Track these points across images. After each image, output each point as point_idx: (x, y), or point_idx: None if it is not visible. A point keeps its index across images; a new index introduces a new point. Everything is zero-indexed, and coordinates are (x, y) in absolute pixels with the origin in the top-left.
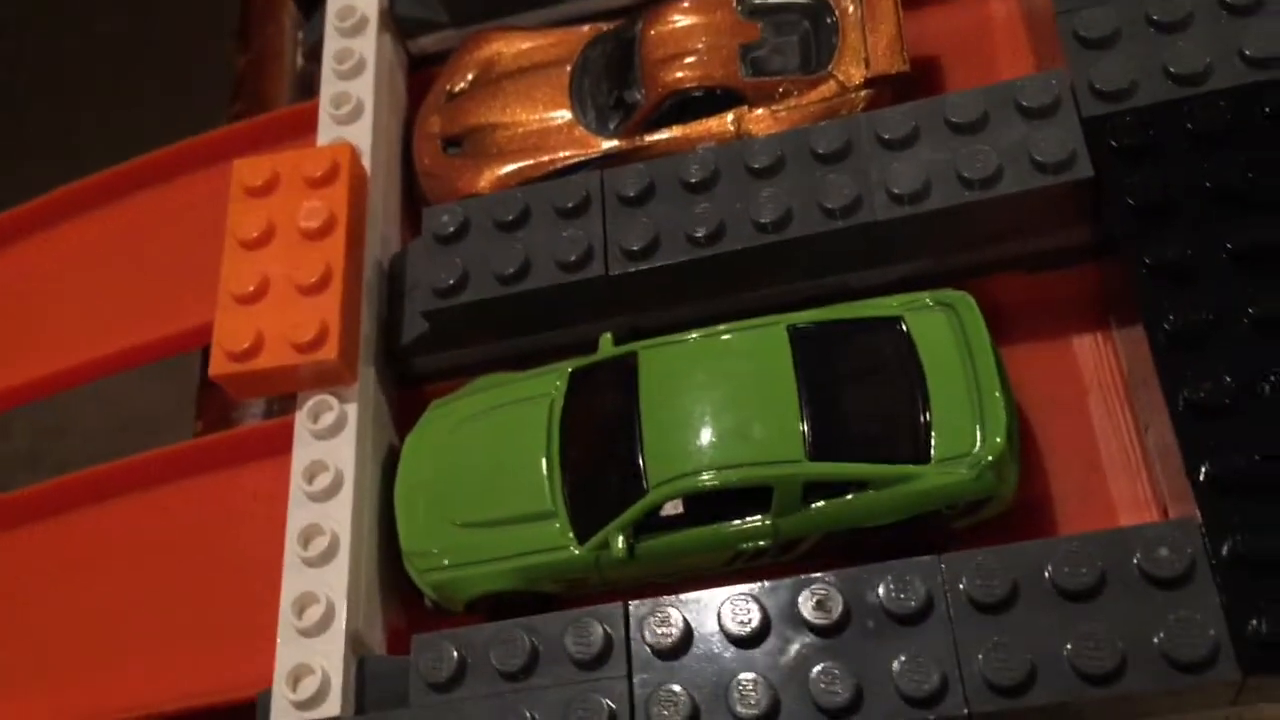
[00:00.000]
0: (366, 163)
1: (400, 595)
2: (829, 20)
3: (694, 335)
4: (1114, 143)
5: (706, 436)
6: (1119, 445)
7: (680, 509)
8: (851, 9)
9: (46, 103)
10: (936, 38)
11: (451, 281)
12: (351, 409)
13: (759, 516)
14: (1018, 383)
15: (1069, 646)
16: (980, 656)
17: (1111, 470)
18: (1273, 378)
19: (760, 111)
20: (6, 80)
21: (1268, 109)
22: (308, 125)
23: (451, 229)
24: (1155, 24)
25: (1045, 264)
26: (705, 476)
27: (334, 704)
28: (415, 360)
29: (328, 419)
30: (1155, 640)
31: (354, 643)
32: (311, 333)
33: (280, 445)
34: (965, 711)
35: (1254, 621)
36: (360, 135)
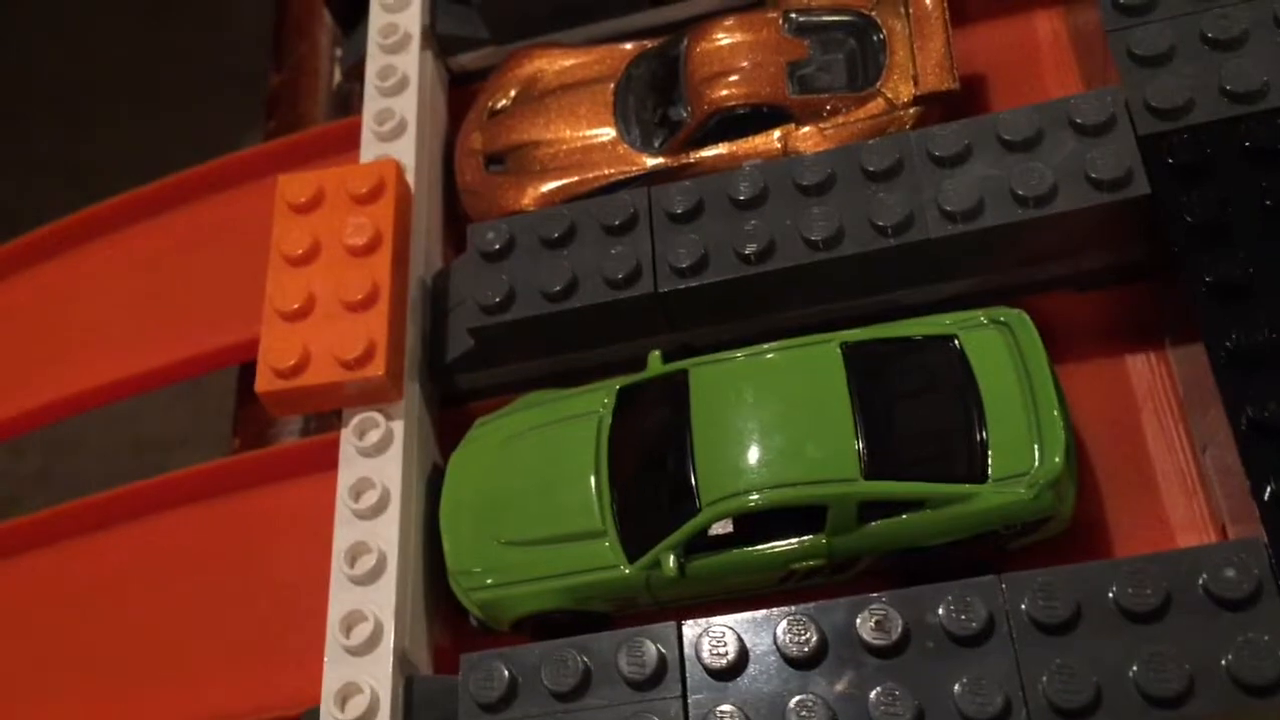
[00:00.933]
0: (410, 179)
1: (445, 614)
2: (876, 38)
3: (745, 353)
4: (1171, 160)
5: (759, 455)
6: (1174, 465)
7: (731, 528)
8: (900, 26)
9: (65, 120)
10: (982, 56)
11: (498, 299)
12: (398, 426)
13: (813, 535)
14: (1070, 402)
15: (1134, 669)
16: (1044, 678)
17: (1167, 490)
18: None
19: (807, 129)
20: (27, 98)
21: None
22: (349, 142)
23: (498, 246)
24: (1210, 41)
25: (1097, 283)
26: (758, 495)
27: None
28: (459, 377)
29: (374, 436)
30: (1223, 662)
31: (402, 662)
32: (359, 349)
33: (322, 462)
34: None
35: None
36: (404, 152)
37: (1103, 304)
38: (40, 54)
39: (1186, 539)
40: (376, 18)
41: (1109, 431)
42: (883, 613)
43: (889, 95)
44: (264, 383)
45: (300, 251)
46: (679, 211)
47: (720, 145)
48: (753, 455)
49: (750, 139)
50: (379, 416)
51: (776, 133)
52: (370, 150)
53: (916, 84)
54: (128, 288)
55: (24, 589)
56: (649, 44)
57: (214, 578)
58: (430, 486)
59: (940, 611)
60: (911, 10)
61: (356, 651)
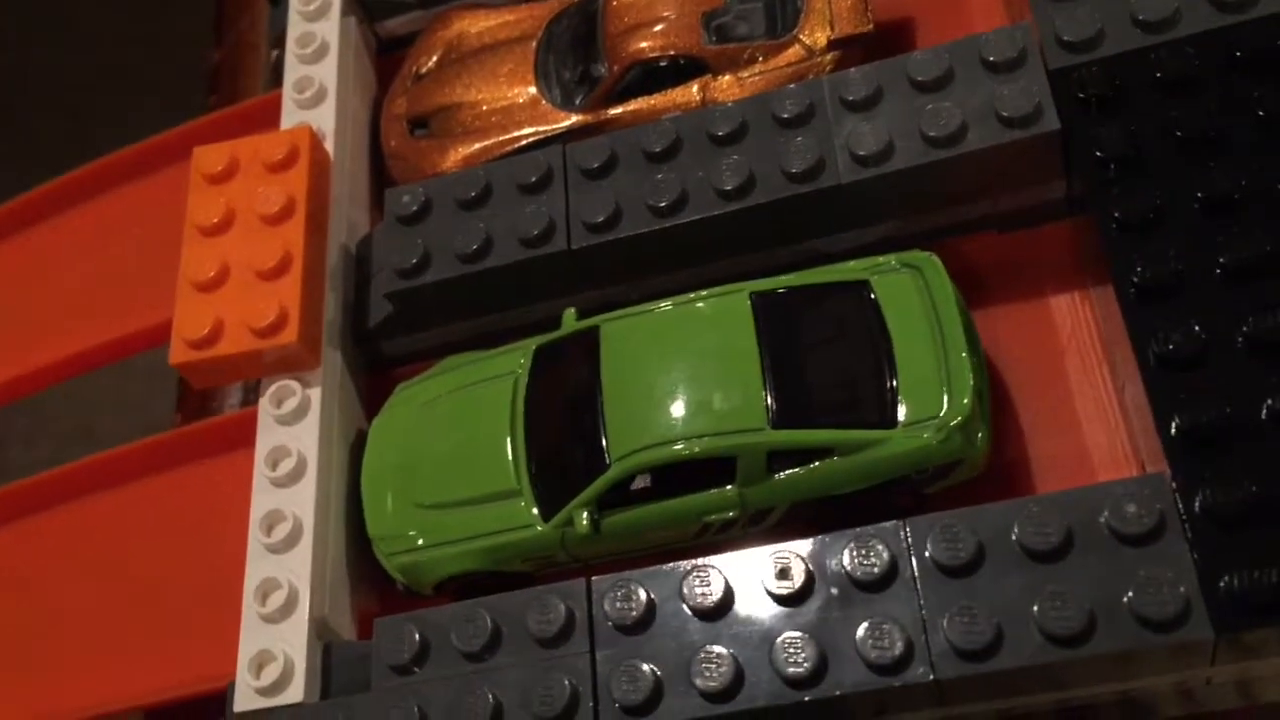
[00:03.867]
0: (330, 146)
1: (372, 580)
2: None
3: (656, 306)
4: (1081, 94)
5: (667, 408)
6: (1097, 404)
7: (648, 482)
8: None
9: (65, 112)
10: None
11: (414, 262)
12: (315, 393)
13: (725, 487)
14: (993, 344)
15: (1036, 608)
16: (945, 621)
17: (1090, 430)
18: (1245, 328)
19: (726, 79)
20: (27, 90)
21: (1238, 53)
22: (276, 114)
23: (413, 209)
24: None
25: (1020, 223)
26: (665, 449)
27: (297, 690)
28: (383, 344)
29: (290, 404)
30: (1125, 599)
31: (319, 628)
32: (271, 317)
33: (251, 434)
34: (931, 677)
35: (1226, 578)
36: (324, 119)
37: (1026, 244)
38: (41, 46)
39: (1108, 477)
40: None
41: (1033, 372)
42: (786, 561)
43: (806, 41)
44: (177, 354)
45: (214, 221)
46: (593, 167)
47: (640, 99)
48: (660, 409)
49: (669, 92)
50: (295, 384)
51: (695, 84)
52: (290, 119)
53: (833, 28)
54: (65, 270)
55: None
56: (569, 1)
57: (146, 555)
58: (353, 453)
59: (844, 558)
60: None
61: (272, 619)
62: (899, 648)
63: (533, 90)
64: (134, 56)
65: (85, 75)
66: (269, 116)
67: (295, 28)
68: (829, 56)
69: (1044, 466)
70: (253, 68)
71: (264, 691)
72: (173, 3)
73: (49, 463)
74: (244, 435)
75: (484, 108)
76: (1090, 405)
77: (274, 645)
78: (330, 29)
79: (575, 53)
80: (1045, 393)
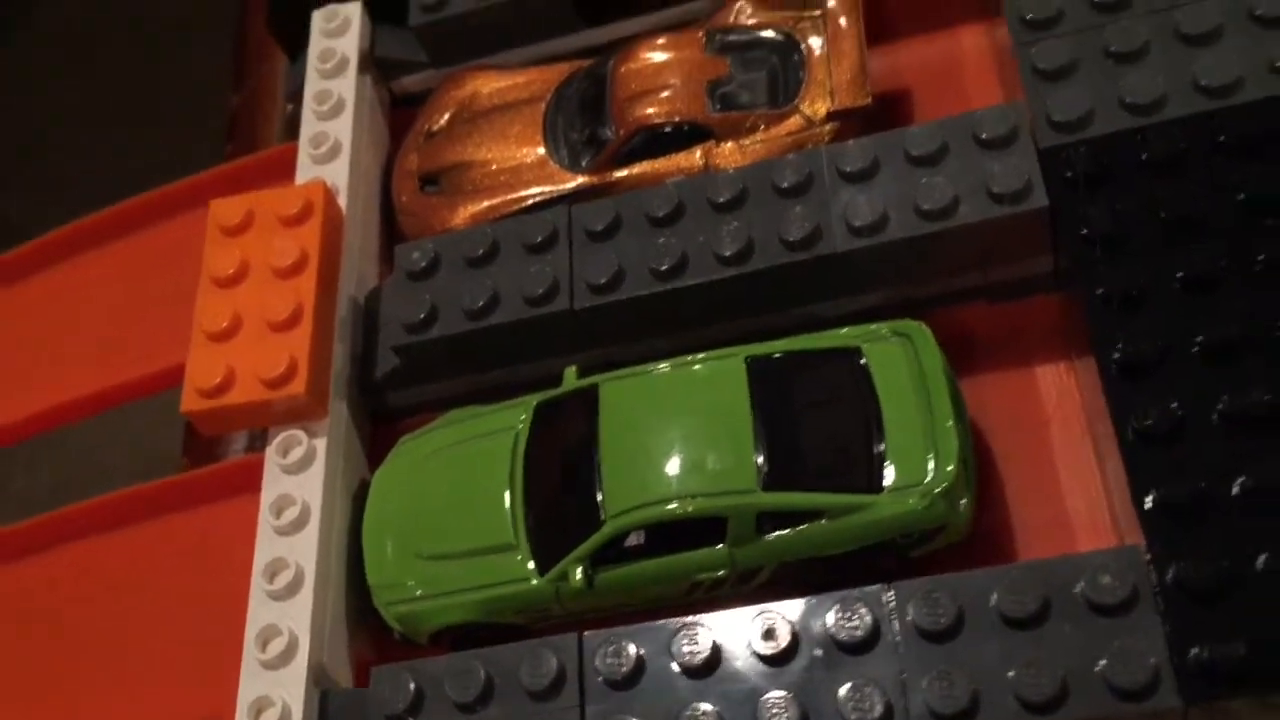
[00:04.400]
0: (343, 201)
1: (371, 628)
2: (796, 55)
3: (655, 367)
4: (1069, 173)
5: (662, 468)
6: (1079, 474)
7: (642, 539)
8: (818, 44)
9: (75, 139)
10: (907, 70)
11: (421, 317)
12: (320, 444)
13: (715, 546)
14: (981, 412)
15: (1011, 674)
16: (924, 684)
17: (1072, 499)
18: (1220, 405)
19: (728, 146)
20: (39, 117)
21: (1221, 137)
22: (291, 166)
23: (422, 265)
24: (1112, 55)
25: (1010, 294)
26: (658, 508)
27: None
28: (389, 395)
29: (296, 453)
30: (1097, 668)
31: (317, 675)
32: (281, 368)
33: (257, 481)
34: None
35: (1195, 649)
36: (338, 174)
37: (1015, 315)
38: (54, 73)
39: (1089, 546)
40: (316, 43)
41: (1019, 441)
42: (773, 622)
43: (807, 112)
44: (189, 402)
45: (229, 273)
46: (597, 229)
47: (644, 163)
48: (655, 468)
49: (673, 156)
50: (301, 434)
51: (698, 150)
52: (305, 173)
53: (832, 100)
54: (84, 312)
55: None
56: (580, 65)
57: (150, 595)
58: (356, 502)
59: (828, 619)
60: (828, 28)
61: (271, 665)
62: (878, 710)
63: (541, 151)
64: (154, 98)
65: (106, 113)
66: (284, 168)
67: (313, 84)
68: (828, 127)
69: (1027, 533)
70: (270, 115)
71: None
72: (193, 47)
73: (52, 489)
74: (250, 480)
75: (493, 166)
76: (1073, 475)
77: (273, 691)
78: (347, 86)
79: (583, 116)
80: (1030, 461)
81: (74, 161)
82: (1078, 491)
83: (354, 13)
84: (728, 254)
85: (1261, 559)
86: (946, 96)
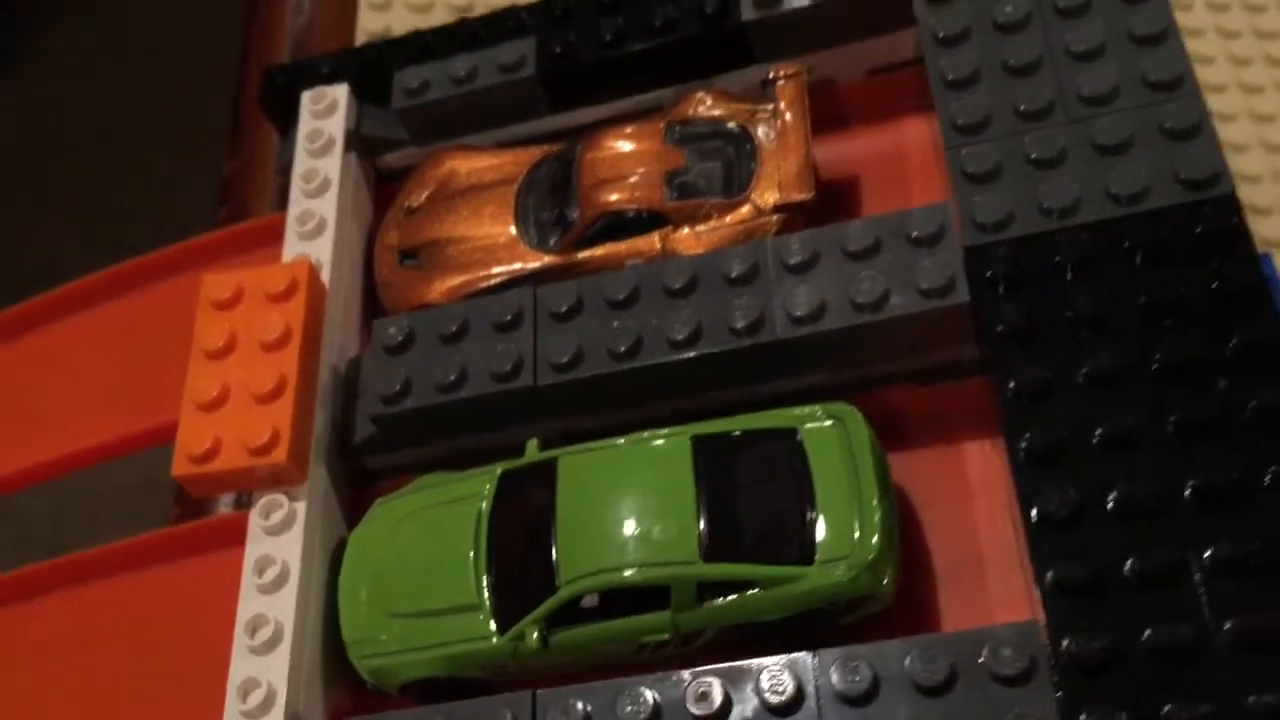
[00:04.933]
0: (326, 275)
1: (347, 678)
2: (749, 146)
3: (609, 443)
4: (989, 272)
5: (613, 538)
6: (1001, 548)
7: (595, 602)
8: (769, 137)
9: (84, 163)
10: (857, 159)
11: (396, 389)
12: (300, 507)
13: (661, 611)
14: (911, 487)
15: None
16: None
17: (993, 571)
18: (1115, 493)
19: (685, 231)
20: (48, 139)
21: (1127, 243)
22: (278, 234)
23: (398, 340)
24: (1033, 161)
25: (940, 377)
26: (609, 575)
27: None
28: (367, 459)
29: (278, 516)
30: None
31: None
32: (264, 438)
33: (243, 534)
34: None
35: (1083, 717)
36: (322, 250)
37: (945, 397)
38: (63, 96)
39: (1006, 617)
40: (305, 123)
41: (945, 516)
42: (707, 686)
43: (757, 202)
44: (180, 467)
45: (218, 346)
46: (560, 310)
47: (607, 245)
48: (607, 538)
49: (634, 240)
50: (283, 498)
51: (656, 235)
52: (292, 249)
53: (780, 192)
54: (77, 369)
55: None
56: (551, 149)
57: (138, 644)
58: (334, 560)
59: (759, 682)
60: (777, 124)
61: (250, 714)
62: None
63: (512, 230)
64: (150, 164)
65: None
66: (274, 235)
67: (301, 163)
68: (775, 217)
69: (950, 603)
70: (263, 183)
71: None
72: (192, 116)
73: (46, 518)
74: (237, 534)
75: (468, 244)
76: (994, 548)
77: None
78: (332, 165)
79: (552, 198)
80: (955, 534)
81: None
82: (997, 564)
83: (341, 94)
84: (679, 338)
85: (1146, 635)
86: (891, 185)
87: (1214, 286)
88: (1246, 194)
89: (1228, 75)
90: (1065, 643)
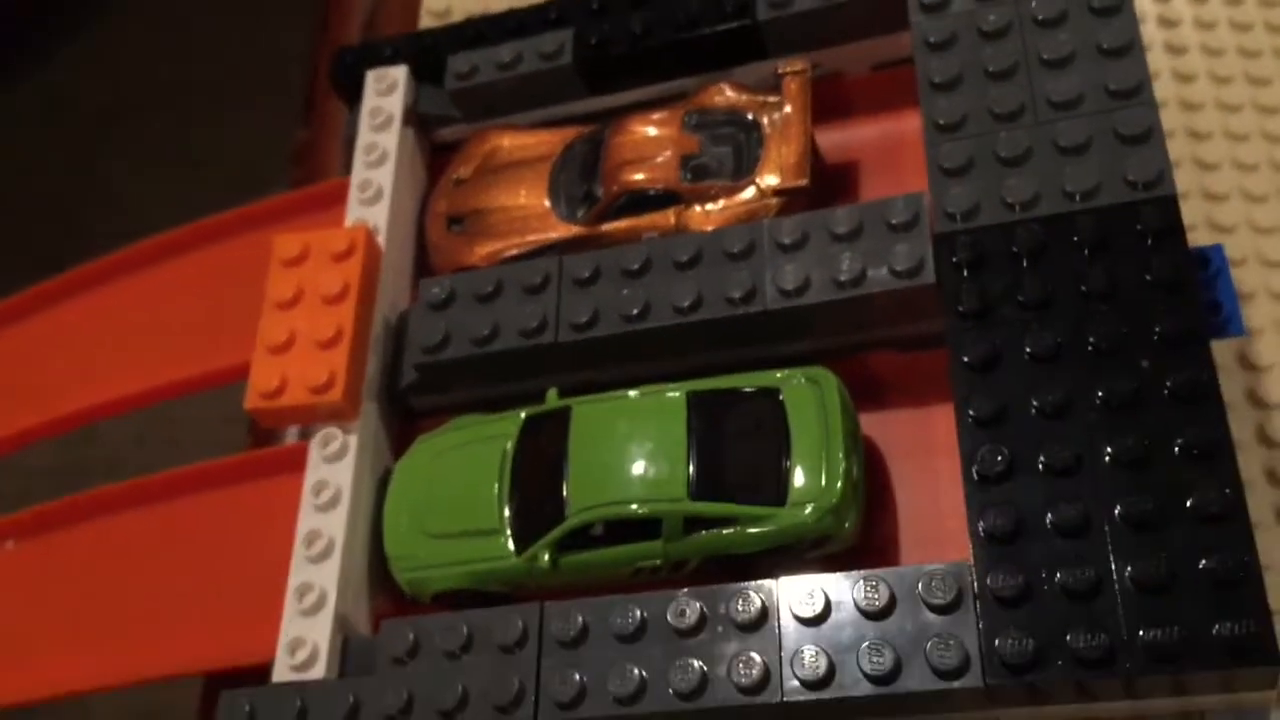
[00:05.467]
0: (383, 238)
1: (388, 589)
2: (756, 134)
3: (616, 395)
4: (955, 257)
5: (615, 476)
6: (955, 498)
7: (600, 531)
8: (774, 127)
9: (177, 111)
10: (857, 146)
11: (437, 341)
12: (353, 439)
13: (653, 541)
14: (884, 443)
15: (859, 652)
16: (794, 657)
17: (948, 519)
18: (1043, 456)
19: (697, 210)
20: (142, 90)
21: (1076, 236)
22: (342, 198)
23: (441, 298)
24: (1001, 159)
25: (914, 346)
26: (610, 508)
27: (320, 670)
28: (412, 400)
29: (334, 446)
30: (924, 651)
31: (341, 623)
32: (323, 379)
33: (304, 462)
34: (780, 699)
35: (998, 642)
36: (379, 215)
37: (919, 363)
38: (157, 49)
39: (955, 557)
40: (368, 100)
41: (913, 468)
42: (685, 604)
43: (760, 185)
44: (251, 401)
45: (287, 298)
46: (582, 277)
47: (628, 219)
48: (609, 476)
49: (651, 215)
50: (338, 431)
51: (671, 212)
52: (354, 213)
53: (780, 178)
54: (161, 313)
55: (52, 560)
56: (583, 130)
57: (212, 554)
58: (380, 487)
59: (729, 604)
60: (781, 115)
61: (306, 613)
62: (756, 675)
63: (546, 203)
64: (235, 120)
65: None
66: (338, 199)
67: (363, 137)
68: (776, 200)
69: (909, 544)
70: (332, 148)
71: (296, 669)
72: (268, 90)
73: (132, 442)
74: (299, 462)
75: (506, 214)
76: (949, 498)
77: (306, 634)
78: (391, 139)
79: (582, 175)
80: (918, 485)
81: (169, 139)
82: (952, 513)
83: (400, 75)
84: (682, 305)
85: (1057, 576)
86: (887, 172)
87: (1146, 278)
88: (1205, 181)
89: (1199, 65)
90: (988, 579)
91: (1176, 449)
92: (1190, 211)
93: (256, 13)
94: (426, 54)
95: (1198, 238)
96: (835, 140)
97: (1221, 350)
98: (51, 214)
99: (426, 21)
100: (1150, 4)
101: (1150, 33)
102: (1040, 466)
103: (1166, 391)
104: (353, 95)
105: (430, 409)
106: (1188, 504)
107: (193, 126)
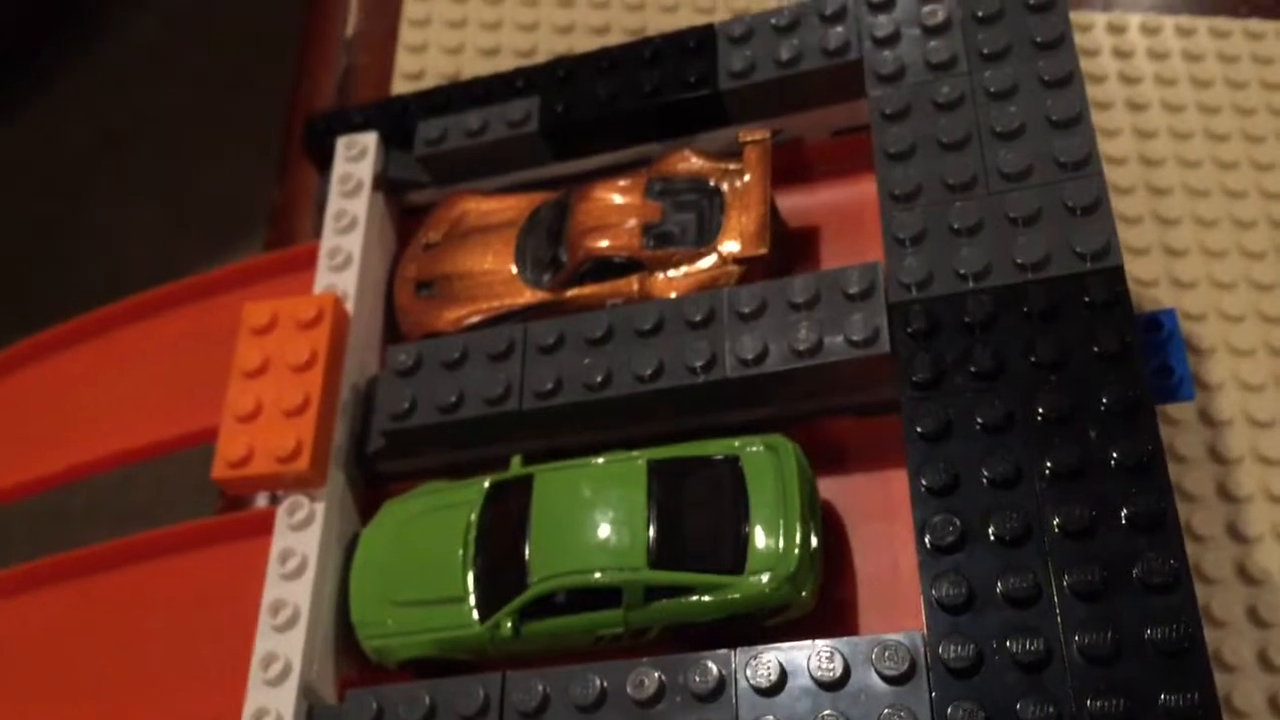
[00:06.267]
0: (351, 304)
1: (354, 654)
2: (718, 200)
3: (578, 463)
4: (908, 328)
5: (576, 545)
6: (912, 566)
7: (561, 599)
8: (735, 195)
9: (165, 147)
10: (819, 212)
11: (405, 407)
12: (320, 507)
13: (614, 609)
14: (843, 507)
15: None
16: None
17: (905, 586)
18: (993, 525)
19: (659, 277)
20: (130, 123)
21: (1026, 306)
22: (313, 261)
23: (408, 365)
24: (954, 229)
25: (872, 411)
26: (570, 577)
27: None
28: (380, 465)
29: (300, 515)
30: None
31: (306, 692)
32: (290, 448)
33: (271, 525)
34: None
35: (949, 711)
36: (348, 281)
37: (877, 428)
38: (144, 83)
39: (911, 625)
40: (338, 167)
41: (870, 534)
42: (645, 674)
43: (722, 252)
44: (218, 471)
45: (254, 367)
46: (546, 344)
47: (592, 284)
48: (570, 545)
49: (615, 281)
50: (305, 499)
51: (635, 279)
52: (323, 280)
53: (740, 245)
54: (128, 377)
55: (12, 625)
56: (549, 196)
57: (176, 619)
58: (347, 551)
59: (687, 675)
60: (742, 183)
61: (271, 683)
62: None
63: (513, 268)
64: (208, 183)
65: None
66: (309, 262)
67: (333, 203)
68: (736, 268)
69: (867, 610)
70: (305, 210)
71: None
72: (241, 149)
73: (115, 487)
74: (267, 526)
75: (474, 279)
76: (906, 561)
77: (270, 704)
78: (360, 206)
79: (548, 240)
80: (877, 549)
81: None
82: (910, 579)
83: (370, 141)
84: (643, 374)
85: (1007, 645)
86: (847, 237)
87: (1094, 349)
88: (1165, 236)
89: (1160, 121)
90: (940, 649)
91: (1123, 519)
92: (1150, 267)
93: (240, 55)
94: (396, 120)
95: (1158, 293)
96: (796, 203)
97: (1181, 406)
98: (35, 249)
99: (400, 83)
100: (1111, 61)
101: (1111, 90)
102: (991, 536)
103: (1113, 462)
104: (324, 161)
105: (398, 473)
106: (1134, 574)
107: (175, 164)
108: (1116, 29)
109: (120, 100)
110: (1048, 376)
